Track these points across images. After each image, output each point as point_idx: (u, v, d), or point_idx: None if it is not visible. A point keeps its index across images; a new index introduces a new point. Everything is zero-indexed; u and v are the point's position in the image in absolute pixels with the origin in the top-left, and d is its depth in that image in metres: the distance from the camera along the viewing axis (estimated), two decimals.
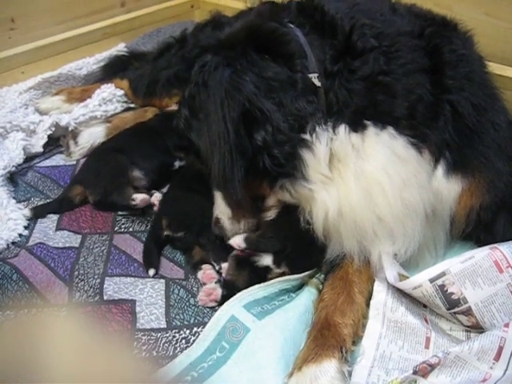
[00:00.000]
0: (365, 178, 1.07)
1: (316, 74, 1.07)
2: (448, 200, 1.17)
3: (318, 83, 1.07)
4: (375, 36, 1.08)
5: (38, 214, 1.49)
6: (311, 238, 1.19)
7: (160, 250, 1.39)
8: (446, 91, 1.11)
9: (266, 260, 1.22)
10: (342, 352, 1.03)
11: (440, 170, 1.14)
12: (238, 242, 1.24)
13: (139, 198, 1.45)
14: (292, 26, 1.12)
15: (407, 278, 1.11)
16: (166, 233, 1.37)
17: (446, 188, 1.15)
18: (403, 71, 1.07)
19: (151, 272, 1.30)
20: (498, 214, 1.20)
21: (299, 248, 1.23)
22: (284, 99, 1.05)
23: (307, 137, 1.06)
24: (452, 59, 1.14)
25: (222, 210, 1.27)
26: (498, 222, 1.20)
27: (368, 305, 1.14)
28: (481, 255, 1.07)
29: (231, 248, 1.26)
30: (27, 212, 1.48)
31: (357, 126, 1.06)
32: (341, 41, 1.08)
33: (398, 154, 1.06)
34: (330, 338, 1.05)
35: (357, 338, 1.09)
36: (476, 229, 1.21)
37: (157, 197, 1.50)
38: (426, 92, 1.09)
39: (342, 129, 1.06)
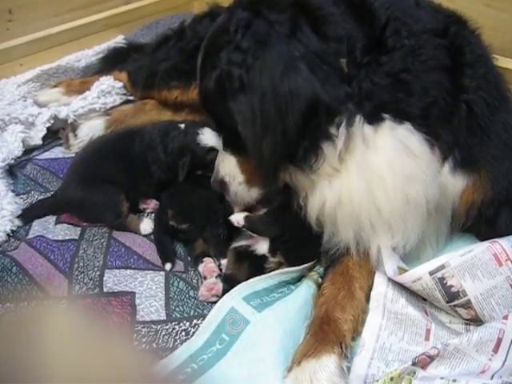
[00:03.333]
0: (369, 169, 1.06)
1: (345, 60, 1.02)
2: (452, 195, 1.17)
3: (345, 68, 1.02)
4: (406, 34, 1.05)
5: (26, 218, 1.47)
6: (309, 229, 1.19)
7: (172, 240, 1.39)
8: (464, 91, 1.11)
9: (263, 247, 1.23)
10: (341, 348, 1.03)
11: (447, 166, 1.13)
12: (238, 218, 1.24)
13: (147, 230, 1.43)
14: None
15: (407, 271, 1.12)
16: (170, 223, 1.38)
17: (451, 184, 1.15)
18: (424, 69, 1.06)
19: (168, 266, 1.30)
20: (500, 210, 1.20)
21: (296, 238, 1.24)
22: (326, 84, 0.99)
23: (333, 130, 1.02)
24: (471, 60, 1.13)
25: (232, 173, 1.23)
26: (500, 217, 1.20)
27: (368, 300, 1.14)
28: (480, 248, 1.07)
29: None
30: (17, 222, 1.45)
31: (373, 119, 1.04)
32: (376, 33, 1.04)
33: (412, 149, 1.05)
34: (329, 333, 1.05)
35: (356, 334, 1.09)
36: (477, 223, 1.21)
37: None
38: (444, 91, 1.08)
39: (357, 120, 1.04)
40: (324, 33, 1.00)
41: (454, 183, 1.15)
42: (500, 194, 1.18)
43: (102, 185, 1.43)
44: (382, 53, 1.04)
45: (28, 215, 1.46)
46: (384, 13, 1.05)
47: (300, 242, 1.25)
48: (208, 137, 1.49)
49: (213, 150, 1.45)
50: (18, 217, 1.45)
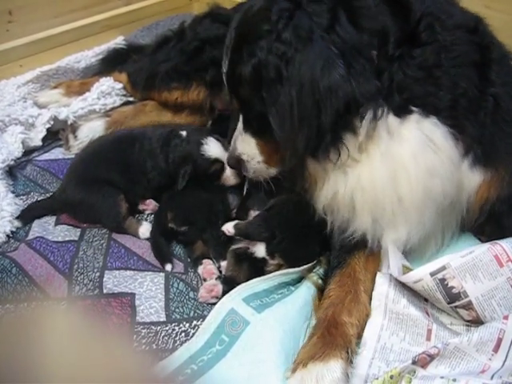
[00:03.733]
0: (393, 159, 1.06)
1: (375, 52, 1.02)
2: (468, 190, 1.16)
3: (375, 61, 1.02)
4: (439, 30, 1.06)
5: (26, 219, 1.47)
6: (304, 229, 1.21)
7: (169, 242, 1.39)
8: (491, 84, 1.12)
9: (260, 250, 1.23)
10: (347, 353, 1.03)
11: (467, 161, 1.13)
12: (228, 227, 1.25)
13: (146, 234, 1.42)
14: None
15: (410, 270, 1.11)
16: (170, 225, 1.37)
17: (468, 179, 1.15)
18: (455, 64, 1.06)
19: (168, 267, 1.30)
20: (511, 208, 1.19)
21: (291, 238, 1.24)
22: (360, 79, 1.00)
23: (357, 122, 1.03)
24: (498, 57, 1.15)
25: (251, 153, 1.25)
26: (510, 216, 1.19)
27: (370, 303, 1.14)
28: (481, 250, 1.07)
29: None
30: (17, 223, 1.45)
31: (401, 111, 1.05)
32: (410, 26, 1.04)
33: (436, 142, 1.06)
34: (337, 337, 1.04)
35: (359, 340, 1.09)
36: (488, 220, 1.21)
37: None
38: (473, 85, 1.08)
39: (384, 112, 1.04)
40: (360, 25, 1.01)
41: (472, 178, 1.15)
42: None
43: (100, 186, 1.43)
44: (414, 46, 1.04)
45: (27, 216, 1.46)
46: (419, 7, 1.05)
47: (296, 242, 1.25)
48: (212, 147, 1.47)
49: (217, 162, 1.45)
50: (16, 218, 1.45)
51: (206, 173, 1.46)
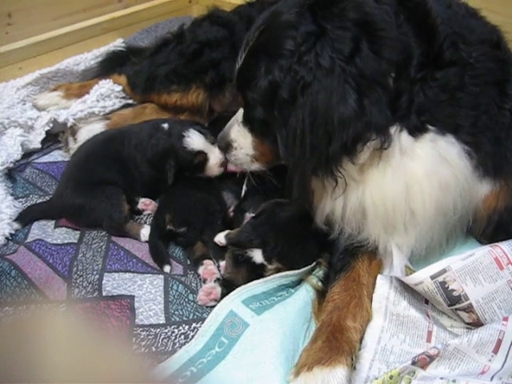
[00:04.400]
0: (405, 175, 1.07)
1: (393, 75, 1.02)
2: (474, 201, 1.17)
3: (391, 84, 1.02)
4: (462, 47, 1.05)
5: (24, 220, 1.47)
6: (300, 231, 1.22)
7: (166, 244, 1.39)
8: (509, 99, 1.12)
9: (258, 256, 1.23)
10: (352, 359, 1.02)
11: (476, 173, 1.13)
12: (219, 238, 1.27)
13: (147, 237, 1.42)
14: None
15: (413, 271, 1.12)
16: (168, 227, 1.37)
17: (477, 189, 1.15)
18: (478, 82, 1.06)
19: (167, 268, 1.30)
20: None
21: (286, 242, 1.24)
22: (373, 109, 1.00)
23: (360, 150, 1.03)
24: None
25: (243, 146, 1.28)
26: None
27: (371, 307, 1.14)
28: (481, 252, 1.07)
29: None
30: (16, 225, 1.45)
31: (416, 130, 1.05)
32: (434, 50, 1.04)
33: (449, 160, 1.07)
34: (343, 342, 1.04)
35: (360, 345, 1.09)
36: (496, 230, 1.21)
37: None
38: (493, 103, 1.09)
39: (396, 131, 1.04)
40: (381, 54, 1.01)
41: (480, 188, 1.15)
42: None
43: (101, 188, 1.43)
44: (437, 67, 1.04)
45: (25, 218, 1.46)
46: (444, 28, 1.05)
47: (292, 245, 1.25)
48: (195, 139, 1.47)
49: (200, 153, 1.46)
50: (15, 220, 1.45)
51: (190, 165, 1.47)
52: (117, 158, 1.50)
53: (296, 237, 1.25)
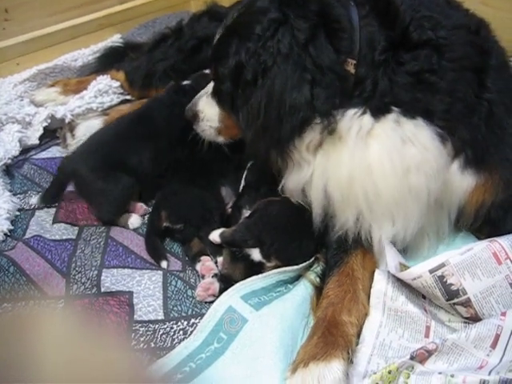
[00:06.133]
0: (363, 154, 1.09)
1: (354, 61, 1.06)
2: (458, 193, 1.17)
3: (352, 70, 1.06)
4: (432, 27, 1.07)
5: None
6: (295, 226, 1.23)
7: (163, 240, 1.39)
8: (487, 91, 1.12)
9: (256, 254, 1.23)
10: (348, 353, 1.02)
11: (457, 163, 1.14)
12: (214, 236, 1.27)
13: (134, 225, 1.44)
14: (352, 4, 1.10)
15: (407, 268, 1.12)
16: (165, 224, 1.37)
17: (459, 181, 1.16)
18: (454, 67, 1.07)
19: (164, 264, 1.30)
20: (508, 212, 1.20)
21: (282, 238, 1.24)
22: (322, 96, 1.06)
23: (307, 131, 1.09)
24: (497, 64, 1.16)
25: (209, 117, 1.33)
26: (507, 220, 1.20)
27: (369, 302, 1.14)
28: (480, 247, 1.07)
29: None
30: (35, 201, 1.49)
31: (378, 112, 1.07)
32: (398, 34, 1.07)
33: (421, 141, 1.08)
34: (338, 337, 1.04)
35: (358, 338, 1.09)
36: (485, 225, 1.22)
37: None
38: (471, 91, 1.10)
39: (357, 113, 1.08)
40: (335, 44, 1.06)
41: (462, 181, 1.16)
42: (511, 197, 1.18)
43: (117, 176, 1.43)
44: (405, 50, 1.06)
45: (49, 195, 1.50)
46: (410, 14, 1.08)
47: (289, 242, 1.24)
48: None
49: None
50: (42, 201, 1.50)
51: None
52: (148, 137, 1.51)
53: (292, 233, 1.25)
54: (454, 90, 1.08)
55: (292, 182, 1.23)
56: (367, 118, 1.08)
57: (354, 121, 1.08)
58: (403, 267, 1.13)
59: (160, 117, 1.56)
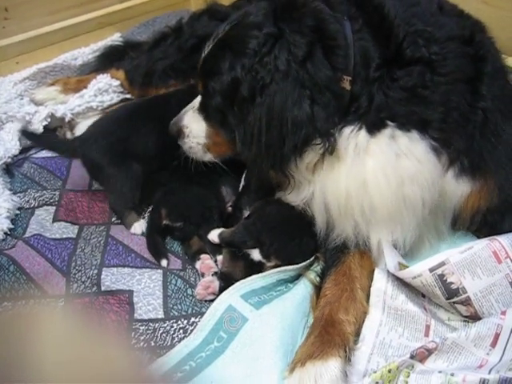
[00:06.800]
0: (360, 170, 1.10)
1: (349, 78, 1.06)
2: (453, 200, 1.18)
3: (348, 87, 1.06)
4: (425, 44, 1.07)
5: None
6: (293, 225, 1.24)
7: (164, 239, 1.39)
8: (481, 98, 1.13)
9: (256, 254, 1.23)
10: (345, 351, 1.03)
11: (451, 171, 1.15)
12: (212, 236, 1.27)
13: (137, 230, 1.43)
14: (345, 19, 1.09)
15: (407, 267, 1.12)
16: (165, 222, 1.37)
17: (454, 189, 1.16)
18: (446, 80, 1.08)
19: (164, 262, 1.30)
20: (505, 216, 1.21)
21: (281, 238, 1.24)
22: (321, 115, 1.06)
23: (308, 151, 1.10)
24: (492, 70, 1.16)
25: (196, 134, 1.30)
26: (505, 222, 1.20)
27: (368, 301, 1.14)
28: (479, 246, 1.07)
29: None
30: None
31: (374, 127, 1.08)
32: (392, 51, 1.07)
33: (416, 154, 1.08)
34: (335, 335, 1.04)
35: (357, 337, 1.09)
36: (481, 228, 1.23)
37: None
38: (464, 102, 1.10)
39: (354, 130, 1.08)
40: (331, 61, 1.05)
41: (457, 188, 1.16)
42: (506, 202, 1.19)
43: (128, 164, 1.43)
44: (398, 67, 1.06)
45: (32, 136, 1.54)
46: (403, 29, 1.07)
47: (288, 241, 1.25)
48: None
49: None
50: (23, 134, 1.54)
51: None
52: (159, 122, 1.49)
53: (291, 232, 1.25)
54: (447, 101, 1.08)
55: (293, 198, 1.23)
56: (363, 135, 1.08)
57: (350, 139, 1.08)
58: (402, 267, 1.13)
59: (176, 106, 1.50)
